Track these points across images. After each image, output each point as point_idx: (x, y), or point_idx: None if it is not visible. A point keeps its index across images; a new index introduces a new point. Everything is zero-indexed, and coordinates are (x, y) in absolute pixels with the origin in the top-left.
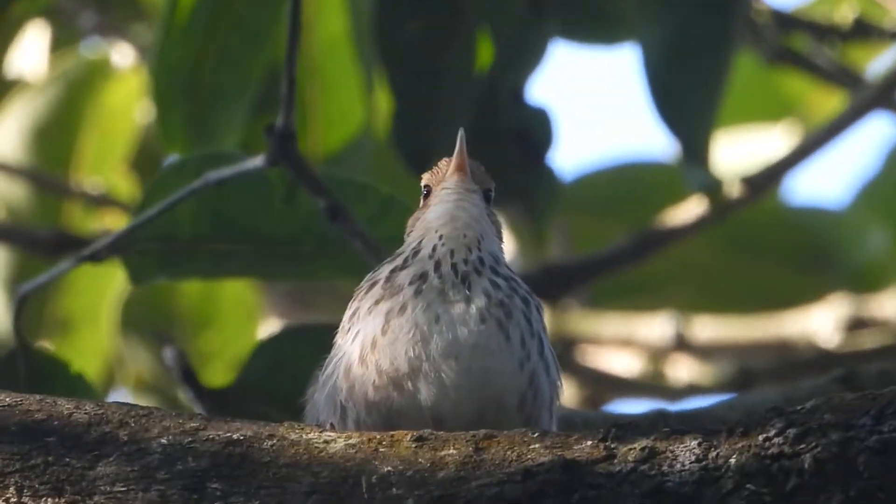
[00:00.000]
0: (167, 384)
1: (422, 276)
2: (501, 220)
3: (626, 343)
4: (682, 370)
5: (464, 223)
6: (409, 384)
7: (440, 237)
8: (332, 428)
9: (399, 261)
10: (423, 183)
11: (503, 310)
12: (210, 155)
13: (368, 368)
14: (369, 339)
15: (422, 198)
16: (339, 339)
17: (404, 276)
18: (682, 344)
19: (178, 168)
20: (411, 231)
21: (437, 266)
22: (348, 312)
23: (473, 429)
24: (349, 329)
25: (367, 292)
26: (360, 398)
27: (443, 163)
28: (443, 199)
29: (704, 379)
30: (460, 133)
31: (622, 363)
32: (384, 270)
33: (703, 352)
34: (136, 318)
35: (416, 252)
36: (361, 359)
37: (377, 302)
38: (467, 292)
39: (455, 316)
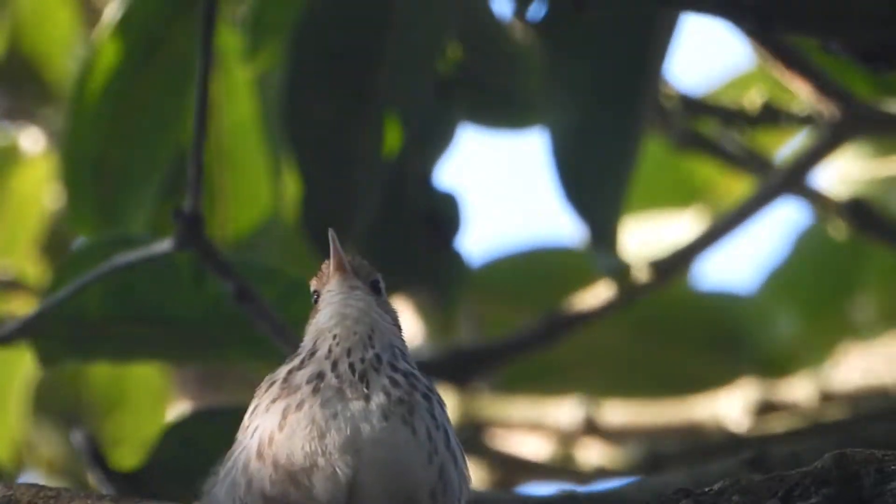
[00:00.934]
0: (78, 467)
1: (319, 375)
2: (398, 307)
3: (536, 427)
4: (592, 454)
5: (353, 320)
6: (305, 479)
7: (334, 337)
8: None
9: (296, 361)
10: (312, 289)
11: (405, 406)
12: (118, 238)
13: (266, 463)
14: (266, 435)
15: (313, 303)
16: (240, 435)
17: (301, 376)
18: (591, 428)
19: (86, 251)
20: (307, 332)
21: (335, 365)
22: (249, 410)
23: None
24: (248, 426)
25: (265, 391)
26: (258, 494)
27: (324, 266)
28: (328, 300)
29: (614, 462)
30: (331, 234)
31: (532, 447)
32: (282, 371)
33: (613, 435)
34: (45, 402)
35: (312, 353)
36: (259, 454)
37: (274, 400)
38: (365, 390)
39: (355, 413)
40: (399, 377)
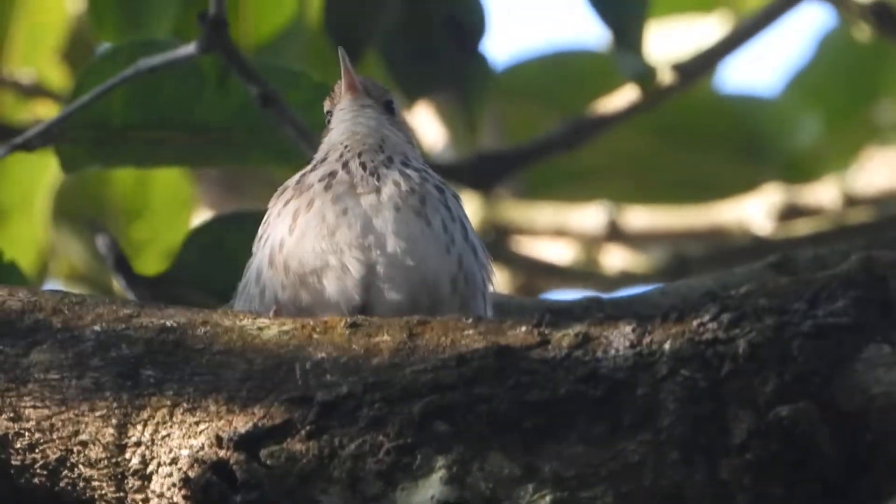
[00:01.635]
0: (100, 274)
1: (330, 174)
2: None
3: (560, 232)
4: (616, 259)
5: (364, 134)
6: (315, 281)
7: (345, 146)
8: (277, 314)
9: (308, 167)
10: (325, 109)
11: (416, 196)
12: (142, 42)
13: (277, 270)
14: (277, 241)
15: (325, 123)
16: (255, 247)
17: (313, 177)
18: (615, 233)
19: (110, 56)
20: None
21: (345, 165)
22: (263, 221)
23: (408, 314)
24: (260, 235)
25: (278, 197)
26: (270, 302)
27: (336, 86)
28: (340, 118)
29: (638, 267)
30: (341, 53)
31: (556, 252)
32: (295, 176)
33: (637, 240)
34: (68, 208)
35: (323, 159)
36: (270, 261)
37: (286, 203)
38: (376, 182)
39: (366, 206)
40: (410, 171)
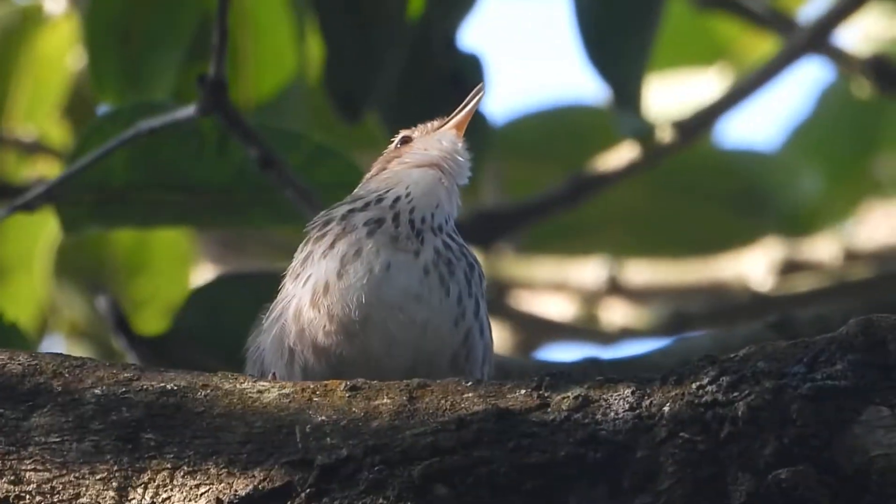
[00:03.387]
0: (101, 331)
1: (378, 221)
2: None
3: (560, 287)
4: (616, 314)
5: (438, 199)
6: (360, 332)
7: (408, 193)
8: (274, 377)
9: (359, 203)
10: (400, 135)
11: (448, 267)
12: (143, 104)
13: (320, 313)
14: (322, 283)
15: (395, 144)
16: (289, 283)
17: (360, 218)
18: (615, 288)
19: (110, 117)
20: (377, 174)
21: (396, 217)
22: (300, 255)
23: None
24: (301, 272)
25: (320, 230)
26: (309, 342)
27: (431, 123)
28: (432, 145)
29: (638, 323)
30: (480, 88)
31: (556, 307)
32: (340, 210)
33: (637, 295)
34: (69, 265)
35: (379, 199)
36: (313, 302)
37: (332, 244)
38: (420, 245)
39: (402, 265)
40: (453, 244)
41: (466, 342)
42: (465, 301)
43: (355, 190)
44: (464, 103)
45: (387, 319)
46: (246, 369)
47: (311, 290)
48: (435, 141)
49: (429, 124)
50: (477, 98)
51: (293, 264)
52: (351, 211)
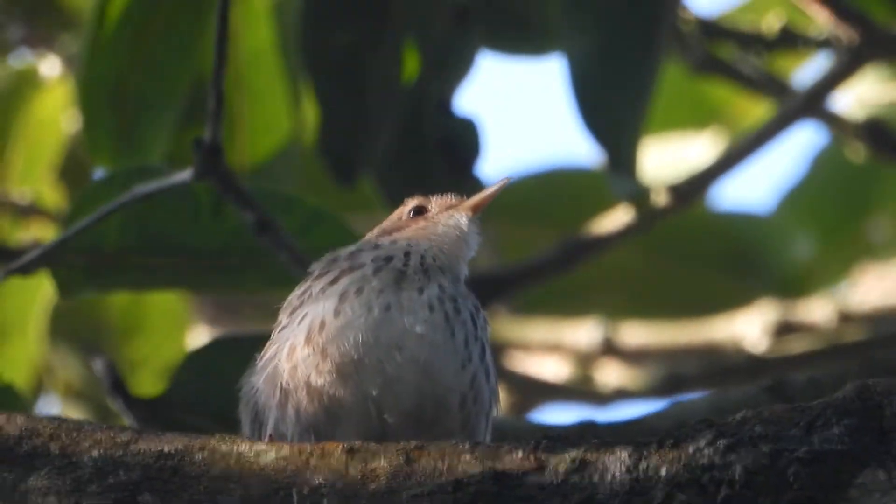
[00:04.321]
0: (96, 392)
1: (386, 259)
2: None
3: (554, 349)
4: (611, 375)
5: (452, 244)
6: (355, 372)
7: (429, 244)
8: (271, 439)
9: (370, 245)
10: (415, 203)
11: (453, 305)
12: (138, 168)
13: (314, 351)
14: (318, 321)
15: (408, 212)
16: (285, 319)
17: (367, 256)
18: (610, 349)
19: (105, 182)
20: (388, 236)
21: (407, 256)
22: (298, 291)
23: (413, 423)
24: (297, 308)
25: (324, 267)
26: (302, 382)
27: (448, 197)
28: (449, 223)
29: (633, 384)
30: (503, 179)
31: (550, 369)
32: (345, 250)
33: (632, 357)
34: (64, 327)
35: (392, 242)
36: (308, 340)
37: (336, 280)
38: (426, 280)
39: (405, 304)
40: (460, 286)
41: (473, 386)
42: (471, 344)
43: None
44: (486, 189)
45: (383, 361)
46: (239, 410)
47: (307, 328)
48: (452, 220)
49: (445, 198)
50: (499, 187)
51: (290, 298)
52: (360, 250)
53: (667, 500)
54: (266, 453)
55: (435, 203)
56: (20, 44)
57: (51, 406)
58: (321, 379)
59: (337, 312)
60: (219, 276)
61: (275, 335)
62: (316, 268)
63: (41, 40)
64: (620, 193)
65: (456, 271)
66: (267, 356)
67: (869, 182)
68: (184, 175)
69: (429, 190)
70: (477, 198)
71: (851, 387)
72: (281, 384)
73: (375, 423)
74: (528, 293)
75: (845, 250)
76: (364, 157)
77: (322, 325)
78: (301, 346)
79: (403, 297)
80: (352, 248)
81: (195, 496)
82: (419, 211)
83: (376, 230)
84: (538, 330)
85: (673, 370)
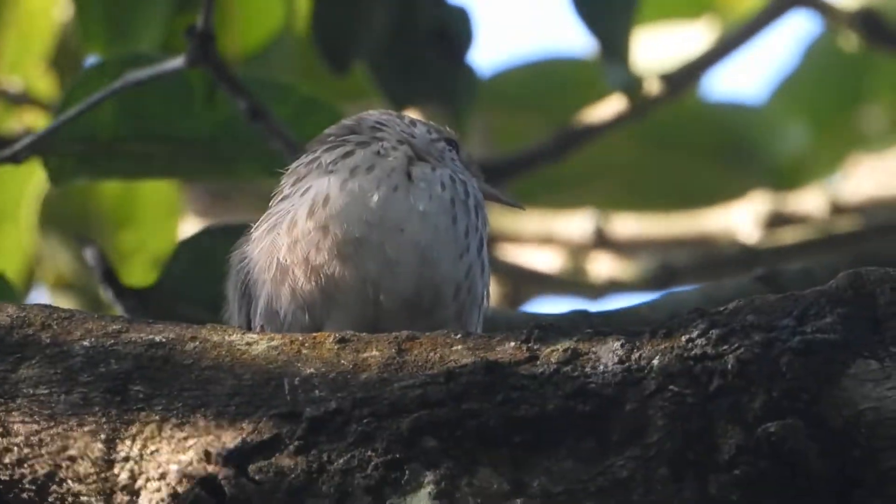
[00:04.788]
0: (88, 282)
1: (404, 140)
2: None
3: (547, 240)
4: (603, 267)
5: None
6: (354, 252)
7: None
8: (262, 330)
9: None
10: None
11: (463, 189)
12: (130, 56)
13: (316, 226)
14: (322, 195)
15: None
16: (287, 188)
17: (391, 131)
18: (602, 240)
19: (98, 69)
20: None
21: (413, 146)
22: (306, 158)
23: (409, 310)
24: (302, 178)
25: (336, 139)
26: (301, 258)
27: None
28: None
29: (625, 275)
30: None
31: (543, 260)
32: (370, 119)
33: (624, 248)
34: (55, 217)
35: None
36: (311, 213)
37: (350, 153)
38: (436, 163)
39: (417, 176)
40: (466, 178)
41: (468, 277)
42: (471, 235)
43: None
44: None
45: (384, 242)
46: (227, 280)
47: (311, 200)
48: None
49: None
50: (511, 204)
51: (295, 166)
52: (384, 124)
53: (658, 391)
54: (257, 343)
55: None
56: None
57: (42, 297)
58: (320, 257)
59: (343, 187)
60: (211, 163)
61: (274, 204)
62: (333, 130)
63: None
64: (613, 82)
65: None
66: (264, 227)
67: (862, 72)
68: (177, 62)
69: (422, 78)
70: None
71: (844, 276)
72: (278, 259)
73: (371, 308)
74: (520, 184)
75: (838, 141)
76: (357, 44)
77: (326, 199)
78: (303, 220)
79: (416, 170)
80: (375, 117)
81: (186, 386)
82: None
83: None
84: (530, 221)
85: (665, 261)
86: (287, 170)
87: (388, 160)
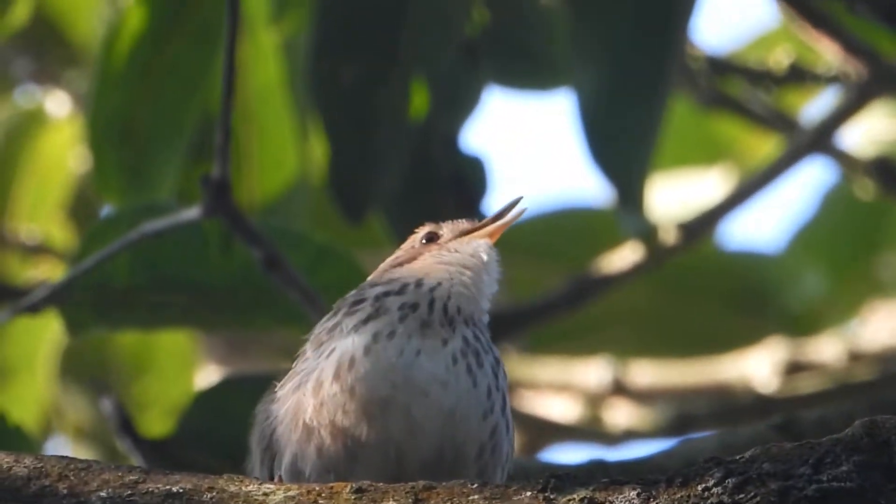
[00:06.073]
0: (105, 432)
1: (413, 306)
2: None
3: (564, 388)
4: (620, 415)
5: (476, 277)
6: (380, 414)
7: (449, 284)
8: (280, 480)
9: (395, 286)
10: (426, 230)
11: (476, 358)
12: (146, 206)
13: (342, 388)
14: (347, 357)
15: (420, 240)
16: (310, 352)
17: (394, 301)
18: (619, 388)
19: (113, 219)
20: (405, 265)
21: (432, 303)
22: (327, 324)
23: (431, 469)
24: (325, 342)
25: (350, 307)
26: (328, 420)
27: (461, 223)
28: (469, 251)
29: (642, 424)
30: (518, 199)
31: (560, 408)
32: (373, 290)
33: (641, 396)
34: (73, 367)
35: (418, 284)
36: (337, 376)
37: (365, 321)
38: (451, 332)
39: (431, 351)
40: (482, 337)
41: (493, 437)
42: (493, 395)
43: (371, 278)
44: (501, 213)
45: (410, 404)
46: (251, 434)
47: (336, 363)
48: (470, 247)
49: (458, 224)
50: (516, 213)
51: (317, 331)
52: (386, 293)
53: None
54: (274, 494)
55: (447, 228)
56: (27, 80)
57: (60, 447)
58: (346, 420)
59: (367, 350)
60: (228, 314)
61: (298, 365)
62: (341, 305)
63: (48, 76)
64: (629, 231)
65: (479, 314)
66: (289, 386)
67: (878, 219)
68: (192, 212)
69: None
70: (493, 225)
71: (860, 423)
72: (304, 420)
73: (393, 467)
74: (538, 332)
75: (855, 288)
76: (372, 194)
77: (352, 361)
78: (329, 383)
79: (428, 344)
80: (378, 287)
81: None
82: (431, 238)
83: (389, 260)
84: (547, 369)
85: (682, 410)
86: (309, 335)
87: (401, 328)
